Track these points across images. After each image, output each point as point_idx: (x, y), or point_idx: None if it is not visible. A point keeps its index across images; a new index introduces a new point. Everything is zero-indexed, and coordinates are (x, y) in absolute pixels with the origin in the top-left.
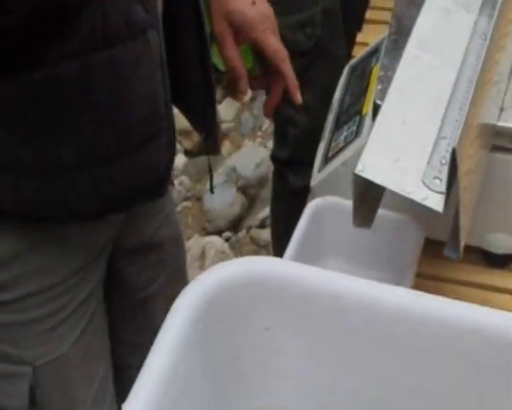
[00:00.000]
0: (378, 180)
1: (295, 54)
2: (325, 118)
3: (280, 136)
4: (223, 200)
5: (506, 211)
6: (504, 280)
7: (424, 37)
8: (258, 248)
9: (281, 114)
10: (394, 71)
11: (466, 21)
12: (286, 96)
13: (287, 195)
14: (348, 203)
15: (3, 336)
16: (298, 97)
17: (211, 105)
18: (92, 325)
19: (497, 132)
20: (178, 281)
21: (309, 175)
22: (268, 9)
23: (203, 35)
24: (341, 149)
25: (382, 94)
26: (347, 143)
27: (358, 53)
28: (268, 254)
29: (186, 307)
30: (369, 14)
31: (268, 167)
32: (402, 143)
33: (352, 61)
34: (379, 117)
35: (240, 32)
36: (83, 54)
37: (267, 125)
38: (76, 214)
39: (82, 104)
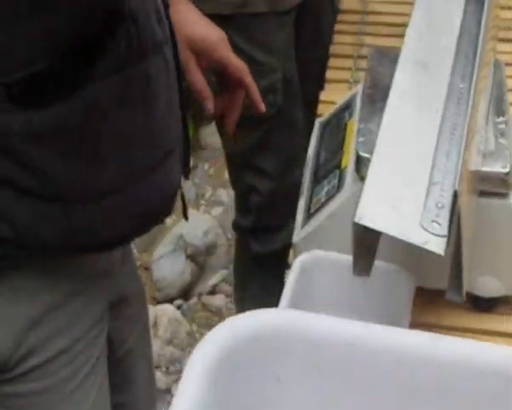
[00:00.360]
0: (378, 227)
1: (257, 121)
2: (287, 184)
3: (242, 204)
4: (172, 268)
5: (492, 254)
6: (493, 323)
7: (404, 88)
8: (210, 315)
9: (243, 182)
10: (375, 123)
11: (443, 69)
12: (247, 162)
13: (251, 262)
14: (335, 256)
15: (23, 406)
16: (262, 106)
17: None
18: (103, 386)
19: (483, 177)
20: (145, 338)
21: (273, 241)
22: (222, 32)
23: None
24: (324, 204)
25: (365, 146)
26: (330, 197)
27: (324, 111)
28: (221, 320)
29: (202, 362)
30: (329, 74)
31: (216, 235)
32: (396, 190)
33: (322, 118)
34: (371, 167)
35: (203, 55)
36: (122, 70)
37: (210, 193)
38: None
39: (123, 120)
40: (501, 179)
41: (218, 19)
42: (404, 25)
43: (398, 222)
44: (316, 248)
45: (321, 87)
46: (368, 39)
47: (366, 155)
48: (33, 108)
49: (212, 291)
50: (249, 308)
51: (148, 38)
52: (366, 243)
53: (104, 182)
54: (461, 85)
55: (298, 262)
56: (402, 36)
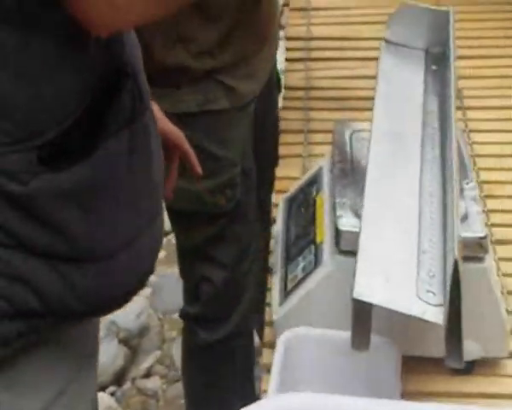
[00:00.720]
0: (377, 301)
1: (214, 216)
2: (240, 273)
3: (192, 293)
4: (104, 355)
5: (471, 318)
6: (473, 385)
7: (380, 159)
8: (146, 398)
9: (195, 272)
10: (350, 197)
11: (413, 139)
12: (202, 254)
13: (199, 350)
14: (320, 332)
15: None
16: (199, 170)
17: None
18: None
19: (460, 243)
20: None
21: (221, 329)
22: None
23: None
24: (302, 280)
25: (345, 220)
26: (308, 273)
27: (281, 187)
28: (157, 403)
29: None
30: (281, 150)
31: (148, 316)
32: (388, 262)
33: (287, 194)
34: (360, 242)
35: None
36: (128, 125)
37: None
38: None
39: (132, 176)
40: (478, 244)
41: (181, 117)
42: (348, 98)
43: (394, 295)
44: (296, 324)
45: (274, 164)
46: (314, 114)
47: (346, 228)
48: (59, 169)
49: (147, 374)
50: (207, 398)
51: (145, 93)
52: (363, 318)
53: (119, 238)
54: (432, 153)
55: (282, 341)
56: (346, 109)
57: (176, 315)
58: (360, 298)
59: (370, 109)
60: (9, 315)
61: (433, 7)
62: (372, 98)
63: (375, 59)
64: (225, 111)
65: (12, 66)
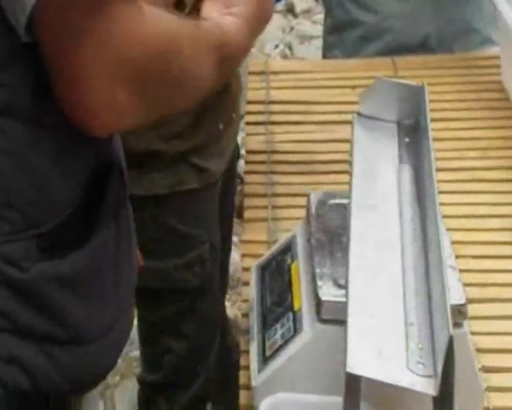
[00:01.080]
0: (370, 375)
1: (182, 292)
2: (204, 343)
3: (154, 362)
4: None
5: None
6: None
7: (361, 232)
8: None
9: (160, 344)
10: (330, 267)
11: (391, 210)
12: (167, 327)
13: None
14: (300, 397)
15: None
16: None
17: None
18: None
19: None
20: None
21: (184, 397)
22: None
23: None
24: (282, 347)
25: (325, 289)
26: (287, 340)
27: (248, 250)
28: None
29: None
30: (246, 214)
31: None
32: (378, 335)
33: (260, 261)
34: (349, 316)
35: None
36: (116, 216)
37: None
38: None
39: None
40: (458, 311)
41: (152, 200)
42: (310, 162)
43: (386, 367)
44: (277, 390)
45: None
46: (277, 177)
47: (327, 298)
48: (57, 257)
49: None
50: None
51: (127, 186)
52: (354, 390)
53: (106, 320)
54: (411, 224)
55: (264, 406)
56: (309, 173)
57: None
58: (353, 372)
59: (335, 172)
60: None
61: (406, 82)
62: (336, 161)
63: (335, 122)
64: (195, 190)
65: (22, 160)
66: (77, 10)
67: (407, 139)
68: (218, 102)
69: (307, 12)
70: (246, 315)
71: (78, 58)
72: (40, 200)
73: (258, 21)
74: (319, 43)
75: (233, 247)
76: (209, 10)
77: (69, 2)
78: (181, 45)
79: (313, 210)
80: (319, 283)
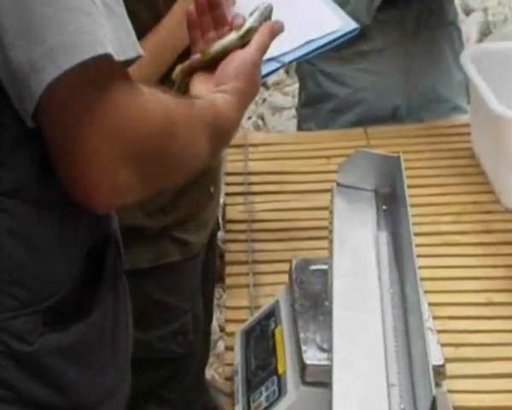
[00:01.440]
0: None
1: (166, 361)
2: (188, 402)
3: None
4: None
5: None
6: None
7: (343, 296)
8: None
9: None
10: (313, 331)
11: (371, 276)
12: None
13: None
14: None
15: None
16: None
17: None
18: None
19: None
20: None
21: None
22: None
23: None
24: (266, 409)
25: (310, 354)
26: (272, 403)
27: (231, 316)
28: None
29: None
30: (228, 281)
31: None
32: (361, 397)
33: (244, 326)
34: (334, 380)
35: None
36: (113, 288)
37: None
38: None
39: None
40: (436, 371)
41: (136, 273)
42: (289, 229)
43: None
44: None
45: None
46: (257, 245)
47: (312, 362)
48: (60, 330)
49: None
50: None
51: (122, 259)
52: None
53: (106, 388)
54: (390, 288)
55: None
56: (289, 240)
57: None
58: None
59: (313, 238)
60: None
61: (382, 152)
62: (314, 228)
63: (312, 191)
64: (178, 263)
65: (26, 238)
66: (82, 98)
67: (384, 207)
68: (199, 177)
69: (278, 84)
70: (229, 379)
71: (85, 142)
72: (46, 278)
73: (246, 96)
74: (290, 113)
75: None
76: (199, 89)
77: (74, 92)
78: (178, 124)
79: (295, 276)
80: (303, 347)
